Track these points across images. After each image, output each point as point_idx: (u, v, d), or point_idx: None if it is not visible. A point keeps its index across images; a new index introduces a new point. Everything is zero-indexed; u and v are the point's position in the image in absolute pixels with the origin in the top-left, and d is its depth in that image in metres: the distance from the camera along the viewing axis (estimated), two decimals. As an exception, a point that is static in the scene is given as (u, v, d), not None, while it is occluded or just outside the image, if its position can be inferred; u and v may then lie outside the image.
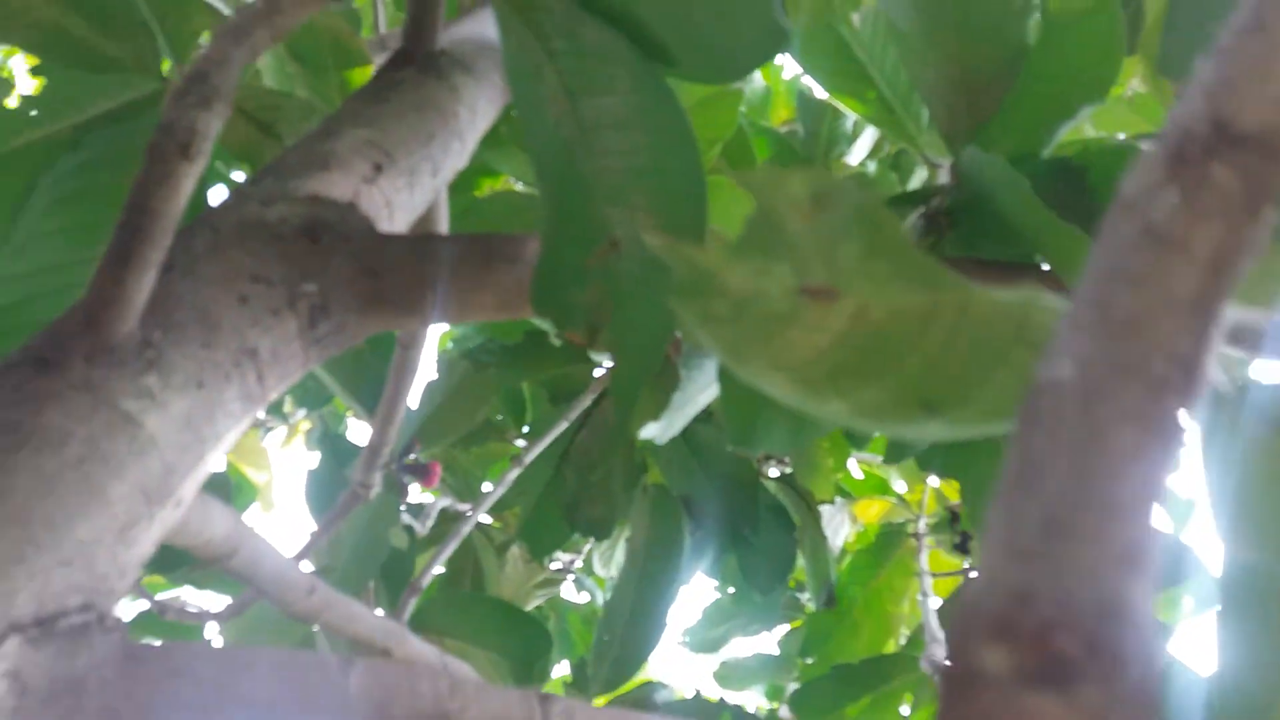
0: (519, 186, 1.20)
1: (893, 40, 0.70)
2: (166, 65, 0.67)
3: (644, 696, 0.88)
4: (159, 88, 0.69)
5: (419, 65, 0.64)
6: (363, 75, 1.05)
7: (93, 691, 0.33)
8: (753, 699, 1.55)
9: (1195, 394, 0.13)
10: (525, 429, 1.45)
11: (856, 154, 1.50)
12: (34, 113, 0.71)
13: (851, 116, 1.37)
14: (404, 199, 0.57)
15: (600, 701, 0.92)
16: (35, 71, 0.71)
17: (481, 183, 1.27)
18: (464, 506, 1.26)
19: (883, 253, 0.23)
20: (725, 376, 0.70)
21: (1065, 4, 0.61)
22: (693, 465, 1.01)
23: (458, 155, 0.64)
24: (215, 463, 0.44)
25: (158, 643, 0.38)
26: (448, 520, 1.26)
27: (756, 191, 0.24)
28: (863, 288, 0.23)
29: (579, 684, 0.92)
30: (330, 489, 1.03)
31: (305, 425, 2.06)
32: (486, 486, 1.41)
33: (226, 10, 1.14)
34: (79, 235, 0.70)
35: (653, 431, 0.76)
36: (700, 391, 0.80)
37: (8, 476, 0.35)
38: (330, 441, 1.09)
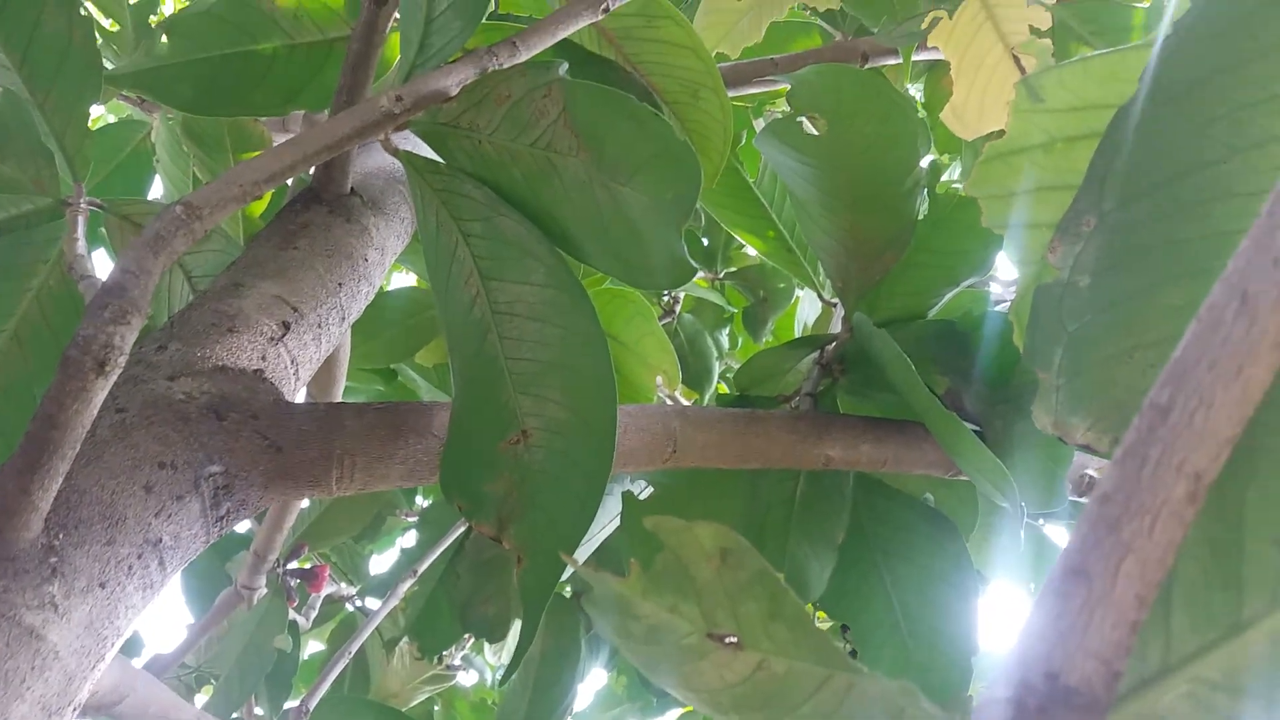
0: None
1: (791, 199, 0.74)
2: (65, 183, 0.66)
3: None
4: (55, 203, 0.68)
5: (329, 205, 0.65)
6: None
7: None
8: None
9: None
10: (417, 499, 1.44)
11: (753, 244, 1.55)
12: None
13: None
14: (310, 353, 0.58)
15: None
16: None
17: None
18: (349, 591, 1.24)
19: (783, 619, 0.25)
20: (629, 517, 0.72)
21: (947, 191, 0.66)
22: (591, 563, 1.02)
23: (366, 297, 0.65)
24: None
25: None
26: (332, 602, 1.25)
27: (667, 537, 0.26)
28: (764, 645, 0.25)
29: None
30: (209, 582, 1.01)
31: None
32: (373, 561, 1.40)
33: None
34: (-37, 348, 0.68)
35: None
36: (607, 522, 0.81)
37: (-101, 712, 0.34)
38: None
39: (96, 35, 0.66)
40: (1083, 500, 0.76)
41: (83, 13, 0.64)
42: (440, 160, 0.53)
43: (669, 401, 1.01)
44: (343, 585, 1.25)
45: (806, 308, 1.33)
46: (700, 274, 1.45)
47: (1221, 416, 0.19)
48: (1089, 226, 0.37)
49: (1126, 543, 0.18)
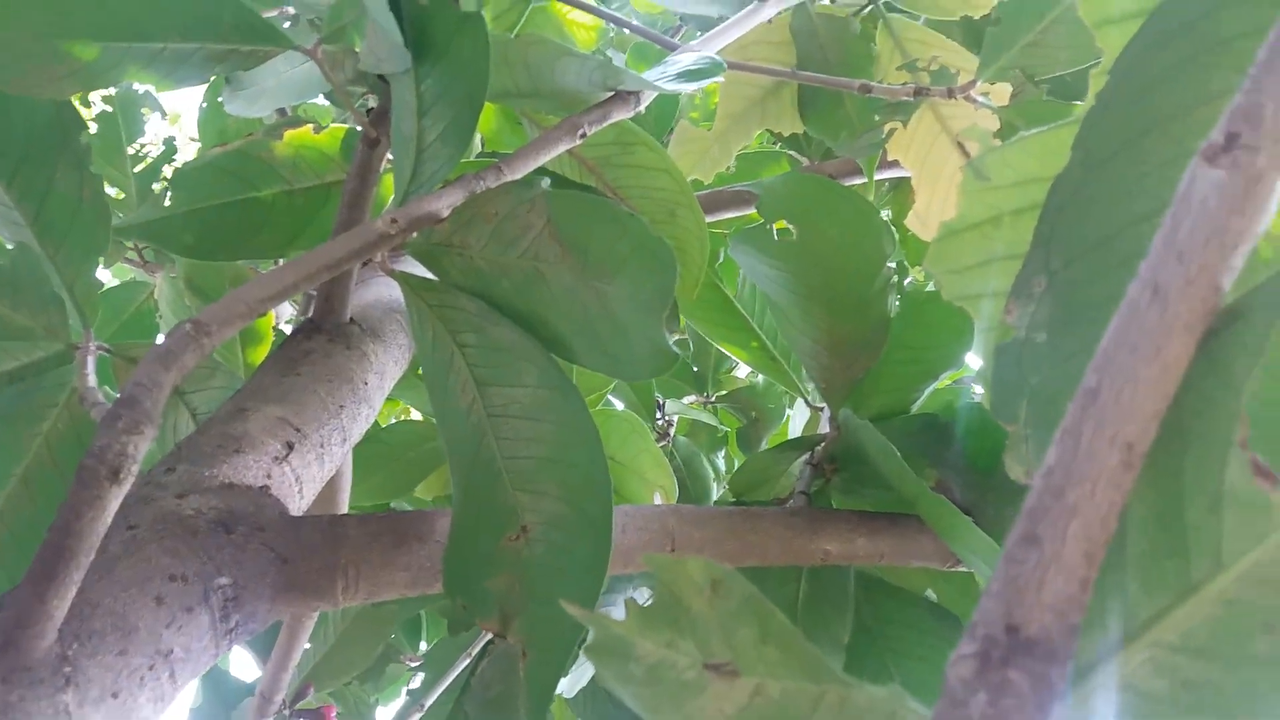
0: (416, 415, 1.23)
1: (769, 306, 0.77)
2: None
3: None
4: (65, 349, 0.70)
5: (329, 334, 0.68)
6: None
7: None
8: None
9: None
10: (421, 645, 1.42)
11: (745, 367, 1.59)
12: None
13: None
14: (314, 472, 0.60)
15: None
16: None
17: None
18: (355, 739, 1.22)
19: (774, 639, 0.26)
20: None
21: (917, 289, 0.69)
22: (601, 696, 1.01)
23: (366, 419, 0.67)
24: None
25: None
26: (337, 753, 1.21)
27: (660, 572, 0.28)
28: (759, 669, 0.26)
29: None
30: (215, 732, 0.99)
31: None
32: (380, 712, 1.37)
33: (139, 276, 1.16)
34: (-27, 494, 0.69)
35: (561, 685, 0.77)
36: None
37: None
38: (213, 677, 1.05)
39: (105, 192, 0.70)
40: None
41: (93, 170, 0.69)
42: (434, 278, 0.56)
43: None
44: (348, 734, 1.23)
45: (797, 423, 1.35)
46: (692, 397, 1.47)
47: (1145, 392, 0.21)
48: (1040, 287, 0.40)
49: (1072, 507, 0.20)
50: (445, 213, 0.54)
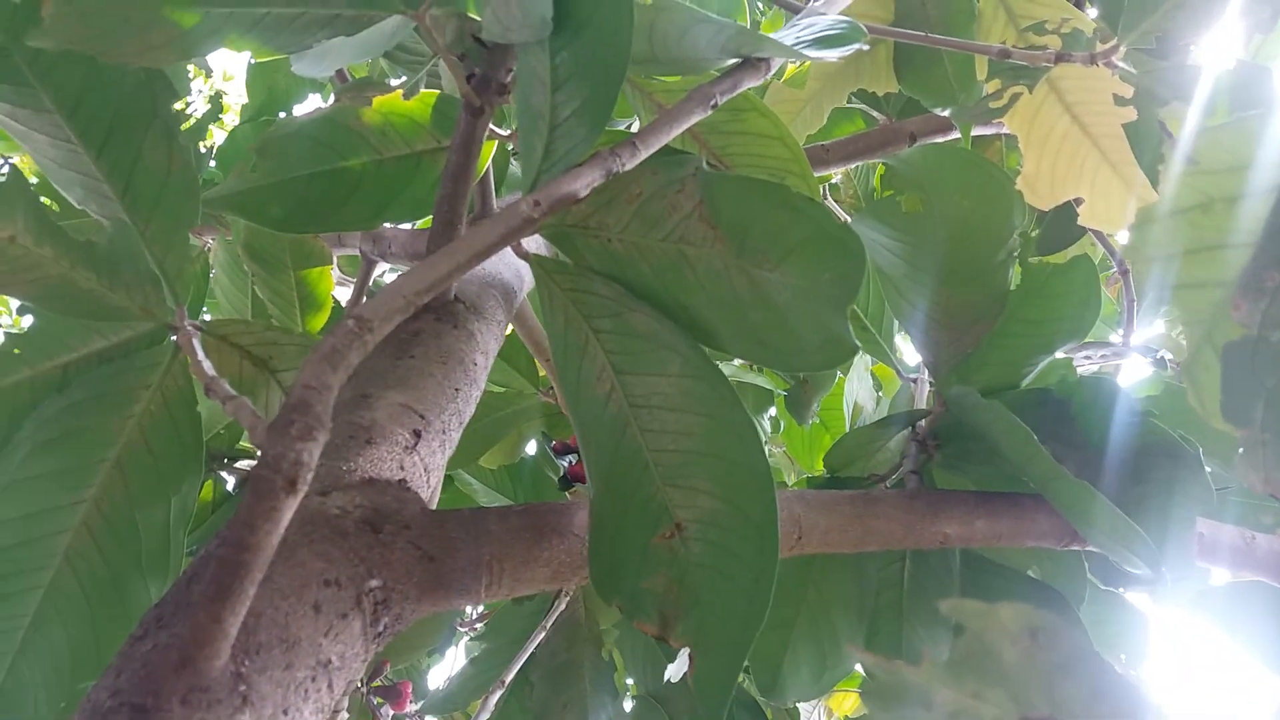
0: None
1: (874, 274, 0.75)
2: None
3: None
4: (159, 327, 0.68)
5: (435, 313, 0.65)
6: (321, 275, 1.05)
7: None
8: None
9: None
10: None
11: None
12: (17, 351, 0.69)
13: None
14: (438, 460, 0.57)
15: None
16: (23, 309, 0.69)
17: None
18: (411, 709, 1.21)
19: (1108, 695, 0.24)
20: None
21: (1041, 263, 0.67)
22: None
23: (474, 401, 0.65)
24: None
25: None
26: None
27: (968, 619, 0.26)
28: (1090, 727, 0.24)
29: None
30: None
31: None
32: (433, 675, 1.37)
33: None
34: (66, 479, 0.67)
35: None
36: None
37: None
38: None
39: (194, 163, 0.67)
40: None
41: (181, 142, 0.65)
42: (566, 260, 0.53)
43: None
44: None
45: (856, 386, 1.33)
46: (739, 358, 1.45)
47: None
48: (1274, 282, 0.38)
49: None
50: (584, 193, 0.51)
